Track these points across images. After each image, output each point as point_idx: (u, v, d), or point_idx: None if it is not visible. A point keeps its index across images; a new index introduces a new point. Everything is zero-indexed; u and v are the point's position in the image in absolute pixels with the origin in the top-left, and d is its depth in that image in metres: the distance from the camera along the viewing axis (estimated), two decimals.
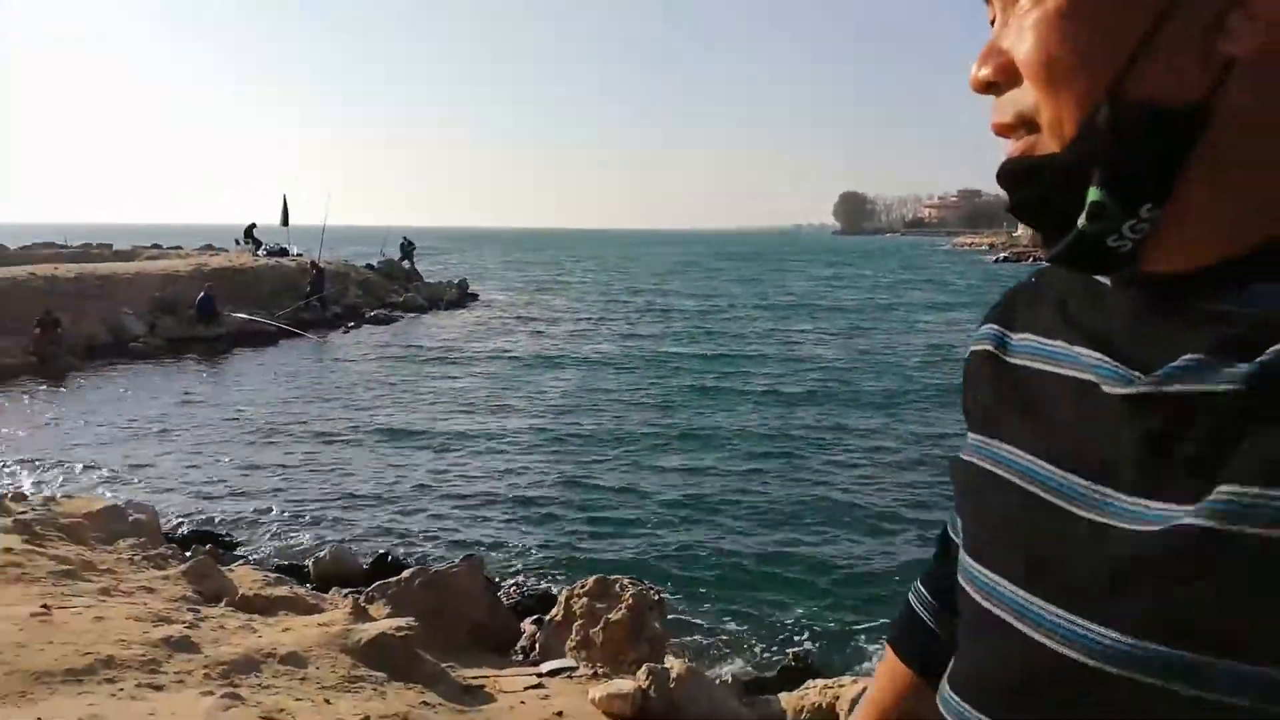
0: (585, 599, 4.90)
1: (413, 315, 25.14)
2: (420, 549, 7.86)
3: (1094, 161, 0.48)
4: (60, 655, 3.16)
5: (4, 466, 9.96)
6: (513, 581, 6.98)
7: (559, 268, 58.11)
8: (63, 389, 14.51)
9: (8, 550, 4.25)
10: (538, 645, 5.21)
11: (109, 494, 8.59)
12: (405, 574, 5.26)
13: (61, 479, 9.51)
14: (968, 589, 0.58)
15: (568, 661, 4.64)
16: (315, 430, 11.98)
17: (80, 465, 10.07)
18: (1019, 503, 0.54)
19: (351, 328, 21.89)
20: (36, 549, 4.46)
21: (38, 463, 10.11)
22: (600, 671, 4.50)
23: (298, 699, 3.34)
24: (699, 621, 6.20)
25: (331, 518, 8.58)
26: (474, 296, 31.40)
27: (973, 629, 0.58)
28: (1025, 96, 0.51)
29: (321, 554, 7.16)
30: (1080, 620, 0.47)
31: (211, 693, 3.12)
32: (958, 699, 0.57)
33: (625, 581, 5.03)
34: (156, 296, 19.62)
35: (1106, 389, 0.50)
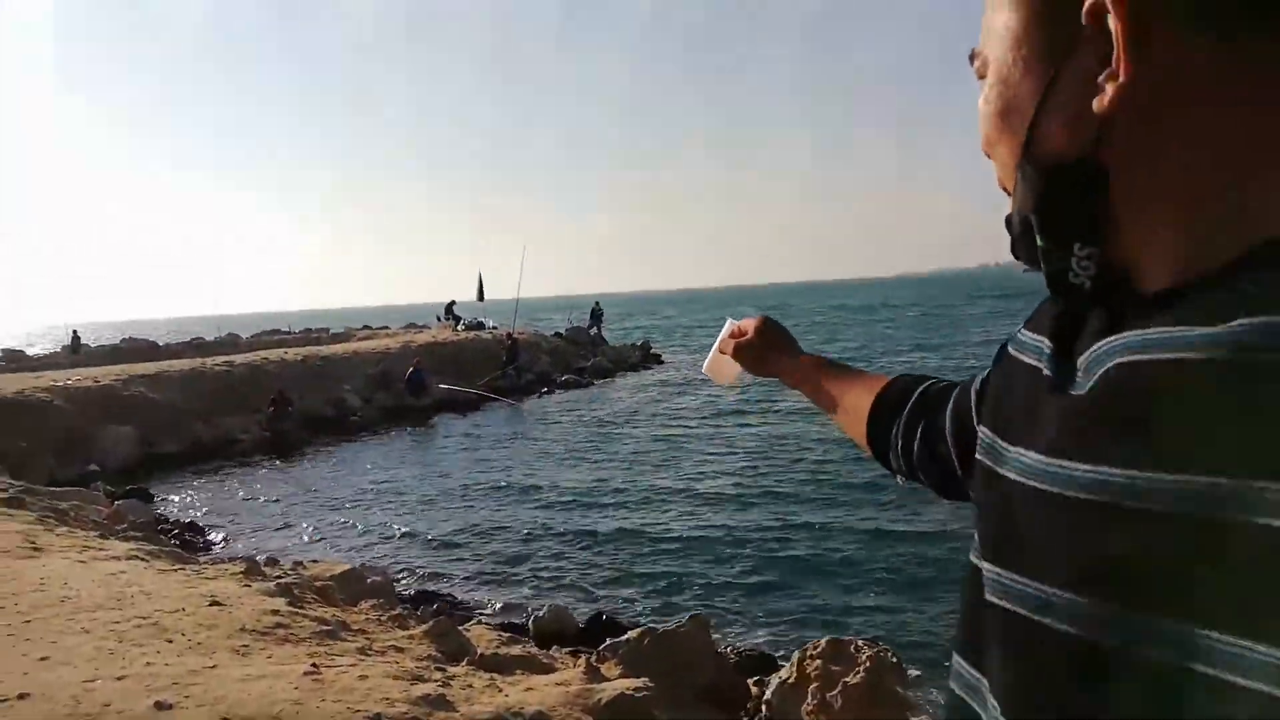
0: (819, 660, 4.71)
1: (603, 380, 25.79)
2: (630, 607, 7.90)
3: (1029, 214, 0.55)
4: (335, 712, 3.32)
5: (251, 533, 10.87)
6: (731, 641, 6.85)
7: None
8: (294, 461, 15.77)
9: (275, 612, 4.56)
10: (766, 708, 5.06)
11: (339, 557, 9.18)
12: (634, 633, 5.25)
13: (301, 545, 10.26)
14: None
15: None
16: (519, 491, 12.40)
17: (312, 531, 10.85)
18: (980, 481, 0.61)
19: (545, 393, 22.70)
20: (298, 611, 4.77)
21: (278, 531, 10.97)
22: None
23: None
24: (937, 685, 5.83)
25: (542, 576, 8.79)
26: (657, 358, 31.88)
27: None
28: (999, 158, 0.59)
29: (541, 613, 7.32)
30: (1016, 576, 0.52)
31: None
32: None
33: (860, 643, 4.81)
34: (371, 373, 21.10)
35: (1045, 371, 0.57)
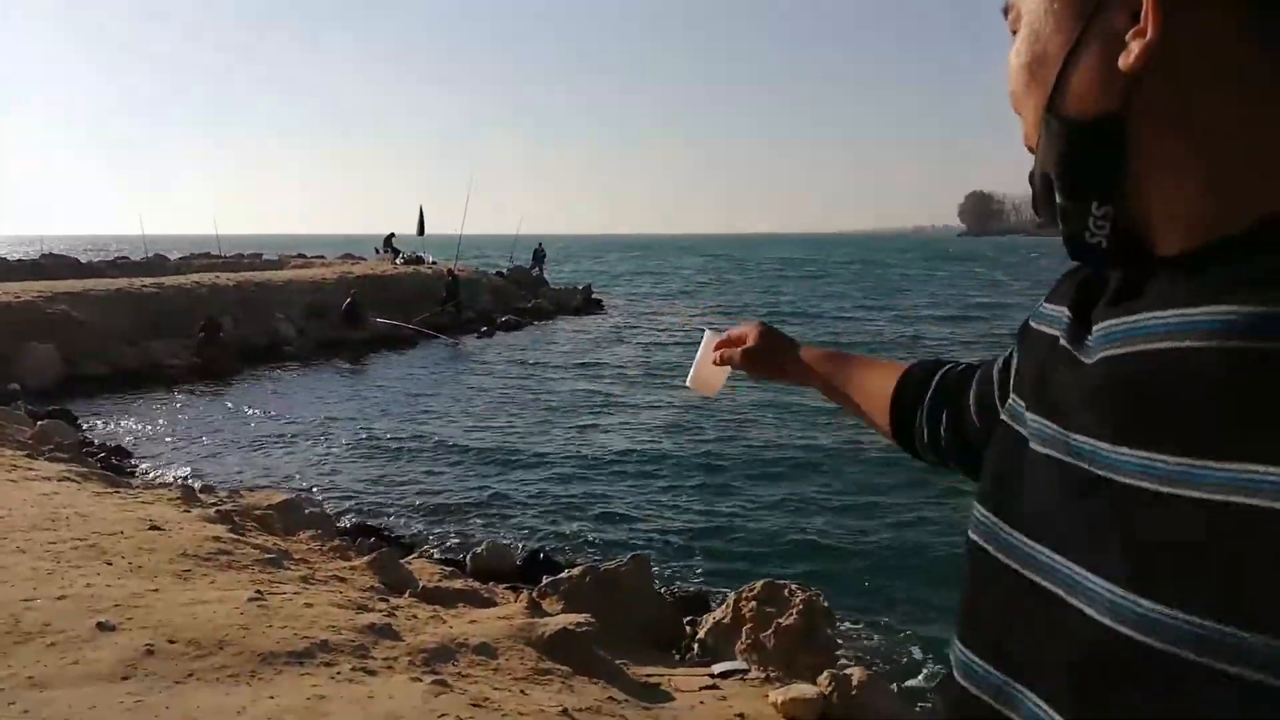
0: (754, 602, 4.87)
1: (543, 321, 25.67)
2: (567, 547, 8.00)
3: (1050, 171, 0.57)
4: (281, 638, 3.34)
5: (182, 460, 10.67)
6: (667, 583, 7.01)
7: (675, 276, 58.18)
8: (225, 390, 15.44)
9: (216, 539, 4.53)
10: (700, 646, 5.22)
11: (273, 487, 9.08)
12: (575, 570, 5.35)
13: (233, 474, 10.11)
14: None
15: (739, 664, 4.61)
16: (455, 429, 12.36)
17: (246, 461, 10.69)
18: (1000, 439, 0.64)
19: (485, 333, 22.51)
20: (239, 538, 4.74)
21: (209, 458, 10.78)
22: (773, 675, 4.45)
23: (496, 688, 3.43)
24: (865, 630, 6.07)
25: (477, 514, 8.83)
26: (598, 303, 31.80)
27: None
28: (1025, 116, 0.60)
29: (479, 549, 7.37)
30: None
31: (420, 679, 3.24)
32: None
33: (794, 586, 4.98)
34: (307, 302, 20.64)
35: (1062, 342, 0.59)
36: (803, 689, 3.93)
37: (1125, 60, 0.51)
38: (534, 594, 5.09)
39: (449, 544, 7.99)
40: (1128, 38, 0.50)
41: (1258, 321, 0.45)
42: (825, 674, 4.01)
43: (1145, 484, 0.47)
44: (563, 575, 5.36)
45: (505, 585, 6.29)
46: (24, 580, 3.52)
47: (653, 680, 4.31)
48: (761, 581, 5.08)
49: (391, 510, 8.89)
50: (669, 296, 38.67)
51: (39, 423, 9.88)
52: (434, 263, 27.41)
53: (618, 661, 4.41)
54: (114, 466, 9.22)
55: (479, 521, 8.61)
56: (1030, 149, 0.60)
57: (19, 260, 34.28)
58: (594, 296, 32.22)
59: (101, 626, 3.20)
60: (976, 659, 0.59)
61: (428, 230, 29.48)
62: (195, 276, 21.93)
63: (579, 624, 4.21)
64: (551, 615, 4.58)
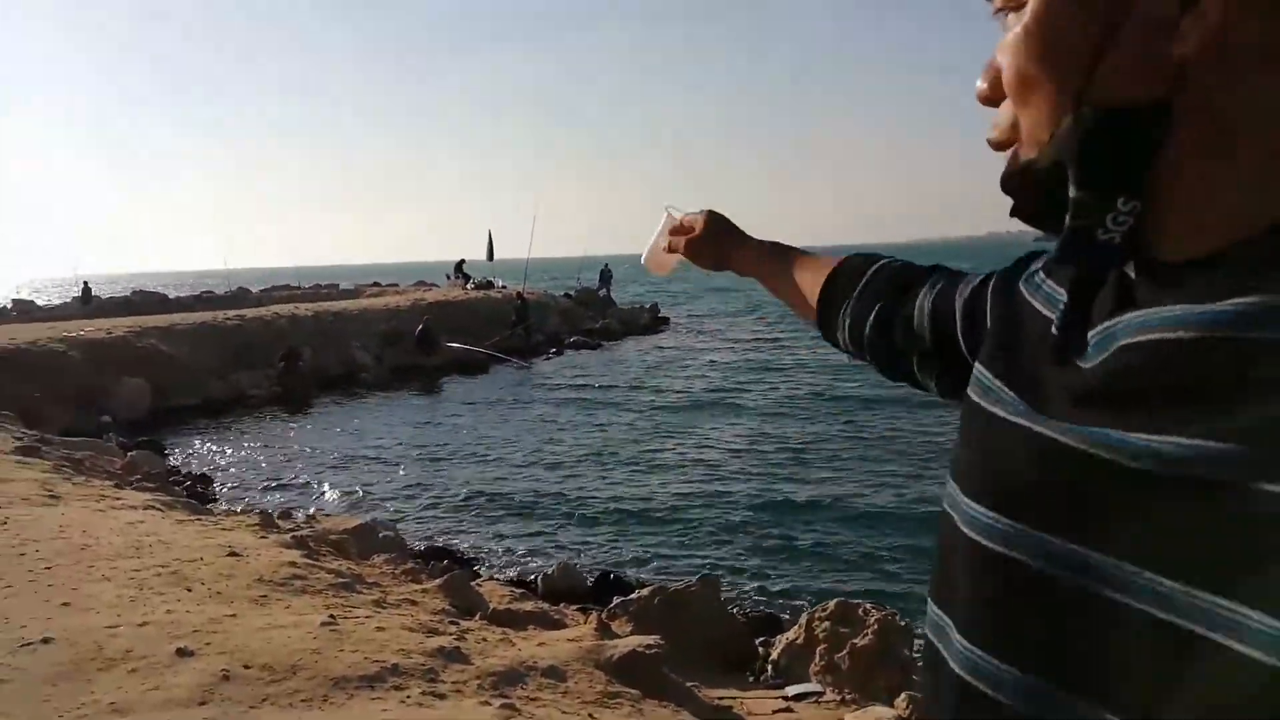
0: (827, 622, 4.76)
1: (611, 341, 25.80)
2: (640, 568, 7.98)
3: (1069, 163, 0.52)
4: (352, 662, 3.37)
5: (262, 487, 10.97)
6: (739, 603, 6.92)
7: (742, 294, 57.92)
8: (304, 417, 15.86)
9: (292, 564, 4.62)
10: (773, 667, 5.12)
11: (350, 512, 9.27)
12: (644, 591, 5.31)
13: (312, 500, 10.35)
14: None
15: (813, 686, 4.51)
16: (527, 452, 12.46)
17: (325, 487, 10.94)
18: (975, 422, 0.62)
19: (554, 354, 22.72)
20: (314, 563, 4.82)
21: (287, 485, 11.07)
22: (849, 697, 4.34)
23: (564, 712, 3.41)
24: None
25: (547, 536, 8.87)
26: (665, 321, 31.85)
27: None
28: (1010, 109, 0.56)
29: (550, 570, 7.40)
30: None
31: (489, 703, 3.23)
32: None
33: (868, 605, 4.85)
34: (382, 330, 21.13)
35: (1054, 329, 0.59)
36: (879, 712, 3.82)
37: (1181, 47, 0.47)
38: (603, 615, 5.07)
39: (519, 566, 8.06)
40: (1181, 20, 0.47)
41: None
42: (903, 695, 3.88)
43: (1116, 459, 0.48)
44: (632, 596, 5.32)
45: (576, 606, 6.30)
46: (108, 607, 3.63)
47: (725, 703, 4.24)
48: (835, 601, 4.97)
49: (463, 533, 9.01)
50: (735, 314, 38.47)
51: (129, 454, 10.27)
52: (504, 287, 27.83)
53: (689, 684, 4.35)
54: (198, 494, 9.53)
55: (549, 543, 8.66)
56: (1001, 146, 0.57)
57: (109, 298, 35.85)
58: (661, 315, 32.29)
59: (181, 652, 3.28)
60: (934, 606, 0.62)
61: (497, 255, 29.94)
62: (275, 308, 22.66)
63: (648, 646, 4.17)
64: (621, 637, 4.55)
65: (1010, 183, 0.56)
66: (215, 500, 9.85)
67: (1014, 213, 0.57)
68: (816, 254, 1.11)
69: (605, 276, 31.87)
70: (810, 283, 1.04)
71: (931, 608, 0.63)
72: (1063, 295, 0.60)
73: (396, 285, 36.52)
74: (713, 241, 1.16)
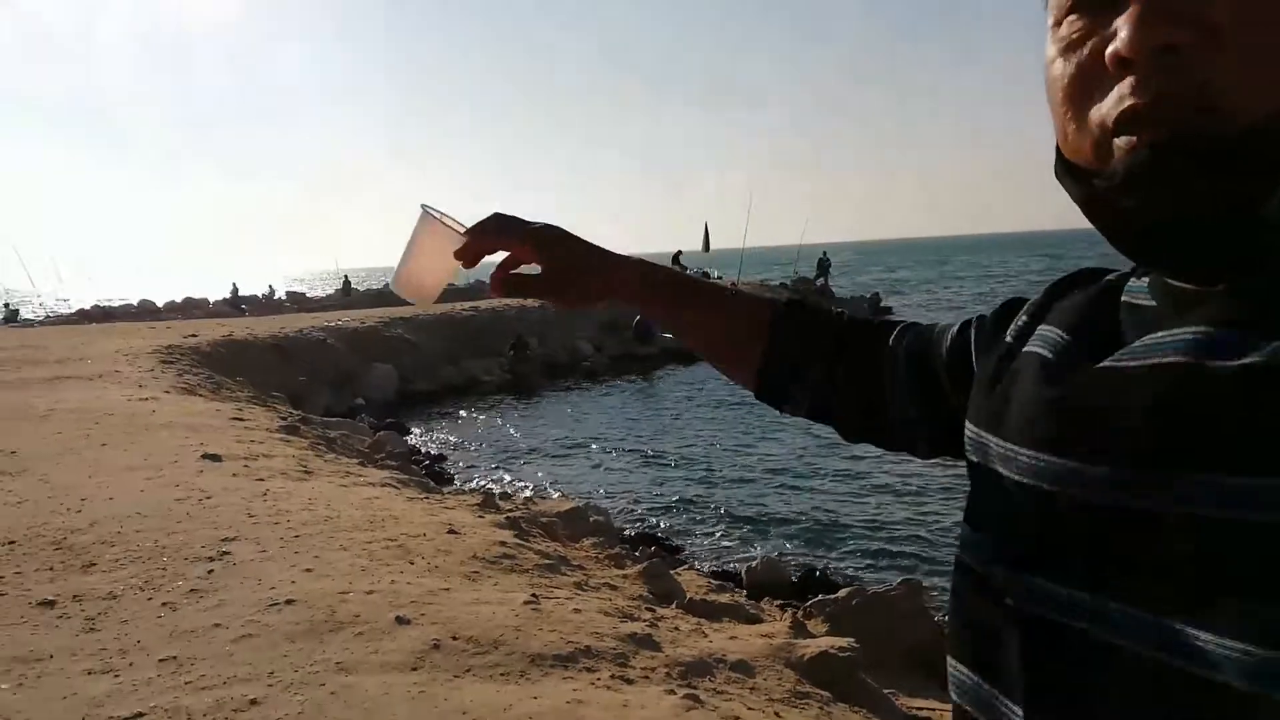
0: None
1: None
2: (845, 566, 7.82)
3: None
4: (549, 642, 3.57)
5: (489, 468, 11.74)
6: (941, 608, 6.63)
7: (986, 277, 54.91)
8: (532, 403, 16.78)
9: (503, 543, 4.93)
10: None
11: (568, 494, 9.72)
12: (843, 593, 5.22)
13: (533, 481, 10.96)
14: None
15: None
16: (737, 443, 12.52)
17: (544, 470, 11.54)
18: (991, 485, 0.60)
19: None
20: (524, 544, 5.12)
21: (513, 467, 11.77)
22: None
23: (749, 708, 3.43)
24: None
25: (760, 529, 8.87)
26: (888, 310, 30.84)
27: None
28: (1217, 65, 0.44)
29: (754, 563, 7.41)
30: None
31: (674, 692, 3.31)
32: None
33: None
34: (602, 320, 21.93)
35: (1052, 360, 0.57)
36: None
37: None
38: (798, 614, 5.03)
39: (724, 558, 8.12)
40: None
41: None
42: None
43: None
44: (830, 596, 5.24)
45: (778, 602, 6.28)
46: (342, 575, 4.05)
47: (922, 714, 4.09)
48: None
49: (675, 522, 9.20)
50: (974, 298, 36.57)
51: (377, 434, 11.32)
52: (719, 277, 28.01)
53: (886, 690, 4.23)
54: (435, 474, 10.35)
55: (761, 537, 8.66)
56: (1172, 128, 0.47)
57: (365, 290, 39.41)
58: (883, 305, 31.31)
59: (399, 620, 3.60)
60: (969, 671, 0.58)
61: (713, 246, 30.18)
62: (507, 299, 24.06)
63: (841, 648, 4.10)
64: (815, 636, 4.50)
65: (1188, 153, 0.46)
66: (448, 480, 10.65)
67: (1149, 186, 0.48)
68: (712, 283, 0.97)
69: (823, 265, 31.31)
70: (738, 340, 0.90)
71: None
72: (1056, 334, 0.60)
73: None
74: (579, 265, 0.87)
